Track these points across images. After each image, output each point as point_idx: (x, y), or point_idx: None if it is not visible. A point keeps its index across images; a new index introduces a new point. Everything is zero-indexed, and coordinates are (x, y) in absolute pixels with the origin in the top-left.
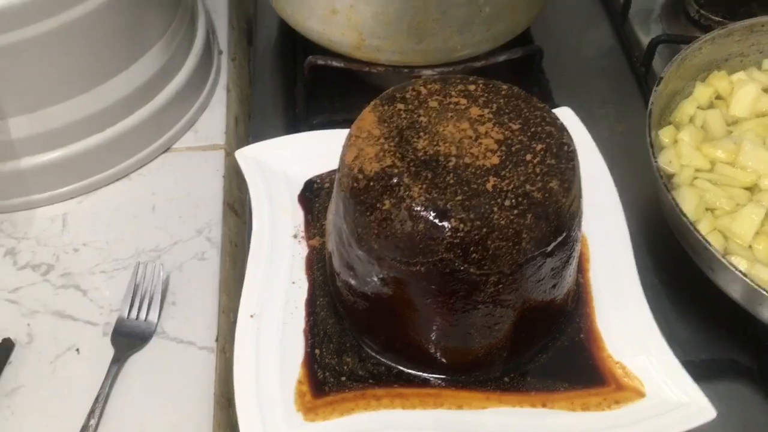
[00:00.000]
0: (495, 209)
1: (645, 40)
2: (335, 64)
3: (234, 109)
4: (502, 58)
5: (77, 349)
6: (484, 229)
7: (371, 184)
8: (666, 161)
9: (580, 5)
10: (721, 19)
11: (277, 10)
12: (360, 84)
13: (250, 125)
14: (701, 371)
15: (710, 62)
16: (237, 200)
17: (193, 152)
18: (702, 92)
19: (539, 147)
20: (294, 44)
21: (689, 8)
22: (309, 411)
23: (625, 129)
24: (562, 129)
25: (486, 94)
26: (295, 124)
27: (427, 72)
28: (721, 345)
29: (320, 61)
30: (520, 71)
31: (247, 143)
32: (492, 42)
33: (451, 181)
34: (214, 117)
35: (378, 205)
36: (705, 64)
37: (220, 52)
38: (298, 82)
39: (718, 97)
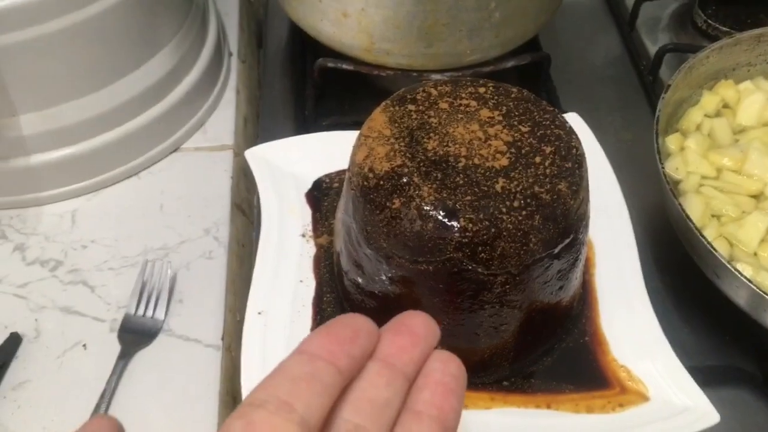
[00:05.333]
0: (504, 210)
1: (652, 48)
2: (345, 66)
3: (243, 110)
4: (510, 63)
5: (84, 345)
6: (493, 230)
7: (381, 183)
8: (673, 168)
9: (589, 13)
10: (728, 29)
11: (287, 13)
12: (369, 87)
13: (259, 126)
14: (705, 377)
15: (717, 71)
16: (245, 200)
17: (202, 152)
18: (709, 100)
19: (548, 149)
20: (304, 46)
21: (696, 18)
22: None
23: (632, 136)
24: (570, 132)
25: (496, 97)
26: (304, 126)
27: (436, 76)
28: (725, 351)
29: (330, 64)
30: (527, 77)
31: (256, 144)
32: (501, 48)
33: (461, 182)
34: (224, 118)
35: (388, 204)
36: (712, 73)
37: (231, 54)
38: (308, 84)
39: (725, 106)
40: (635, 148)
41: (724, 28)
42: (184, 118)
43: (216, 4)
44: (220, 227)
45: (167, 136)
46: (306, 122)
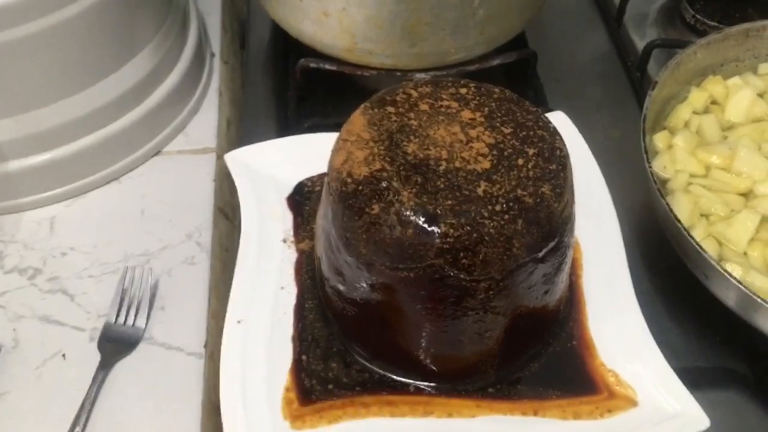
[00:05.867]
0: (486, 214)
1: (640, 44)
2: (327, 67)
3: (226, 112)
4: (495, 61)
5: (63, 355)
6: (475, 235)
7: (360, 188)
8: (660, 166)
9: (575, 9)
10: (716, 24)
11: (269, 13)
12: (352, 87)
13: (241, 128)
14: (695, 379)
15: (706, 67)
16: (228, 204)
17: (184, 155)
18: (697, 97)
19: (531, 151)
20: (286, 47)
21: (684, 13)
22: (296, 419)
23: (620, 134)
24: (554, 133)
25: (478, 98)
26: (286, 127)
27: (420, 75)
28: (715, 352)
29: (312, 64)
30: (514, 75)
31: (239, 146)
32: (486, 45)
33: (442, 186)
34: (206, 120)
35: (367, 210)
36: (700, 69)
37: (212, 55)
38: (290, 85)
39: (714, 102)
40: (624, 146)
41: (712, 23)
42: (165, 121)
43: (197, 3)
44: (202, 232)
45: (148, 140)
46: (288, 123)
